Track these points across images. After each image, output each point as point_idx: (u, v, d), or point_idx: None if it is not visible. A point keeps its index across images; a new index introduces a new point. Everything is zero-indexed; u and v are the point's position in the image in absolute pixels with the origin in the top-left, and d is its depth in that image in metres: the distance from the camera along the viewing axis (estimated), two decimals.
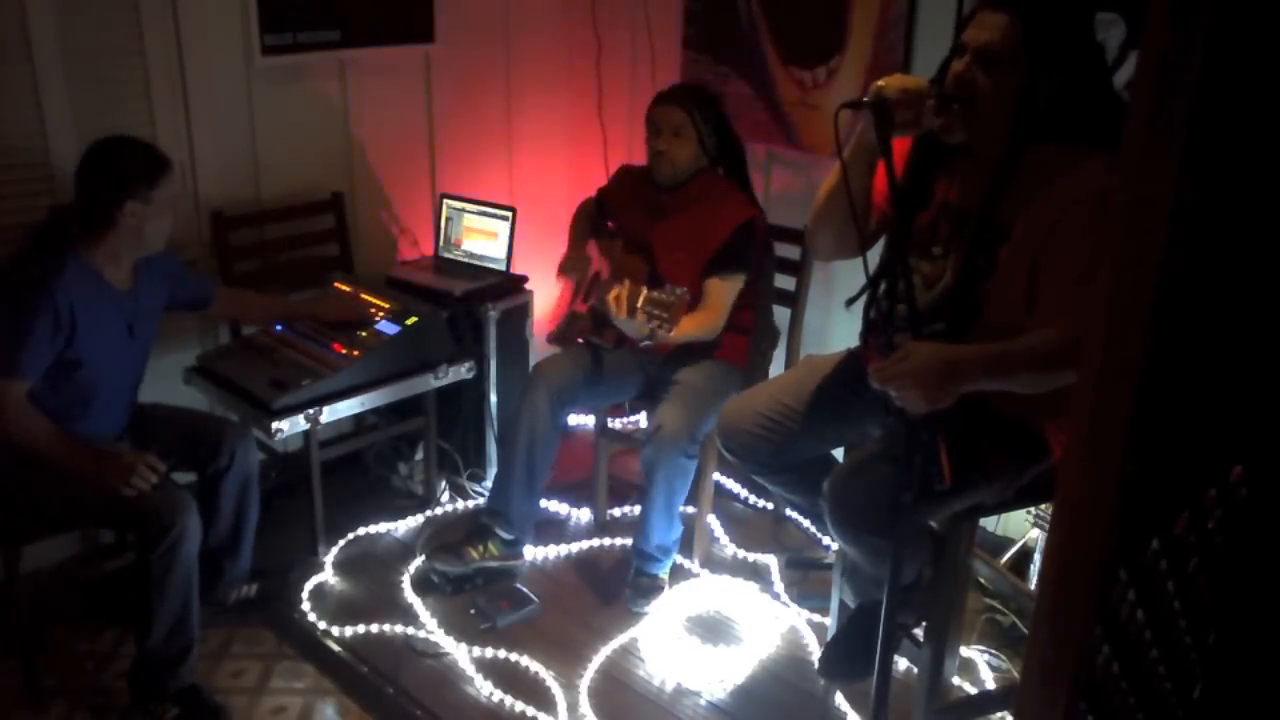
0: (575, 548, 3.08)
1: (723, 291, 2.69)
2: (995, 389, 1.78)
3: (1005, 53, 1.78)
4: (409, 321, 2.89)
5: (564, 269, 2.95)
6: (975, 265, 1.86)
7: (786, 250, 2.98)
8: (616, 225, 2.98)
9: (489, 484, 3.16)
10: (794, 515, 3.18)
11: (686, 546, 2.94)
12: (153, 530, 2.25)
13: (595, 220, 3.05)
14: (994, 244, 1.84)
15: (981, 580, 2.72)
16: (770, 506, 3.27)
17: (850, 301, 2.06)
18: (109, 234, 2.31)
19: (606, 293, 2.47)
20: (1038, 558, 2.74)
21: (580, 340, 2.89)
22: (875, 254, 1.97)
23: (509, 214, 3.30)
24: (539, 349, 3.39)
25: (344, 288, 3.09)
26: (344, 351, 2.80)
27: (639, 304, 2.41)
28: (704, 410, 2.64)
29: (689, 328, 2.64)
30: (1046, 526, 2.62)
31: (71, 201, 2.33)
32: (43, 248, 2.30)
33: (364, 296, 3.03)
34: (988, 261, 1.85)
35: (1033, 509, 2.71)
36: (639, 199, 2.87)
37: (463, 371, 3.04)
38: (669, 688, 2.52)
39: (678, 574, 2.91)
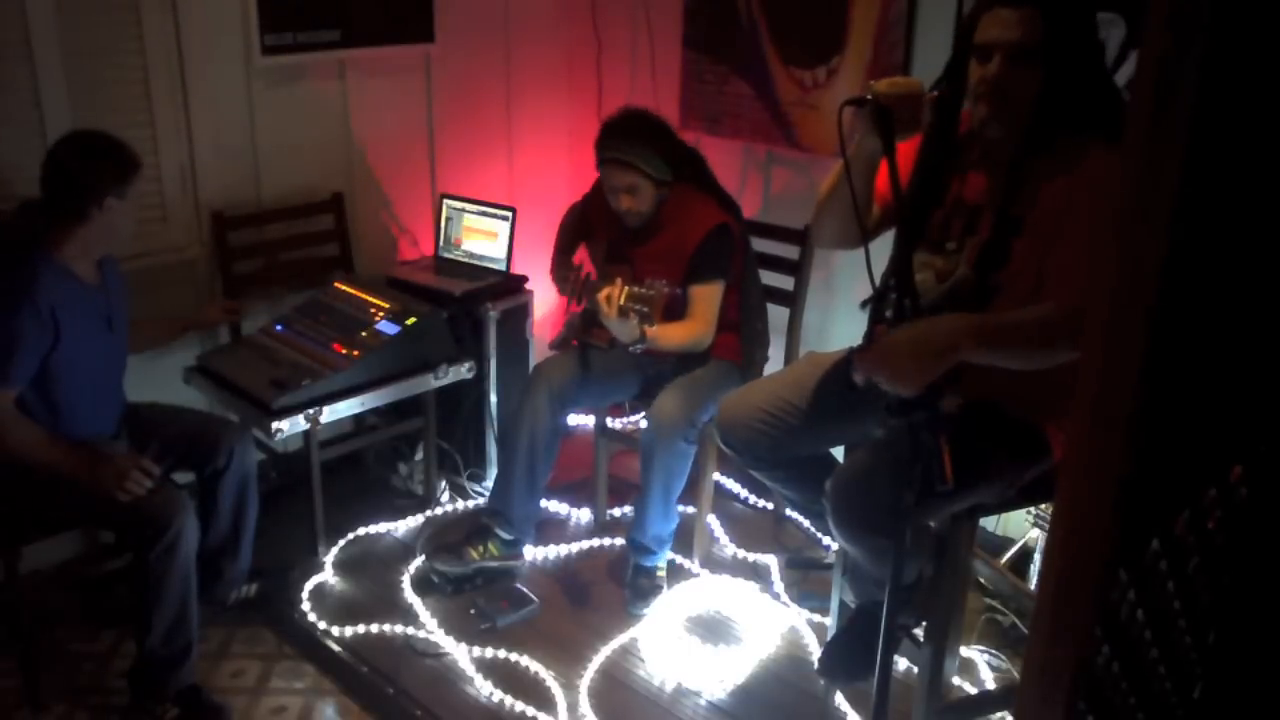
0: (575, 548, 3.08)
1: (706, 298, 2.70)
2: (988, 361, 1.77)
3: (1035, 47, 1.80)
4: (409, 321, 2.89)
5: (556, 276, 2.95)
6: (990, 257, 1.88)
7: (786, 250, 2.98)
8: (600, 237, 2.97)
9: (489, 484, 3.17)
10: (794, 515, 3.18)
11: (686, 546, 2.94)
12: (149, 531, 2.25)
13: (581, 227, 3.04)
14: (1009, 235, 1.86)
15: (981, 580, 2.72)
16: (770, 506, 3.27)
17: (865, 303, 2.07)
18: (79, 229, 2.28)
19: (596, 294, 2.48)
20: (1038, 558, 2.74)
21: (575, 342, 2.89)
22: (881, 251, 1.97)
23: (509, 214, 3.30)
24: (539, 349, 3.39)
25: (344, 288, 3.08)
26: (344, 351, 2.80)
27: (621, 300, 2.41)
28: (703, 398, 2.64)
29: (679, 336, 2.65)
30: (1046, 526, 2.62)
31: (38, 198, 2.30)
32: (12, 249, 2.27)
33: (364, 296, 3.03)
34: (1002, 253, 1.87)
35: (1033, 509, 2.71)
36: (616, 218, 2.85)
37: (463, 371, 3.03)
38: (669, 688, 2.52)
39: (678, 574, 2.91)
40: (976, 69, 1.86)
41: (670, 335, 2.61)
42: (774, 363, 2.96)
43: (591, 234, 3.00)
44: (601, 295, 2.46)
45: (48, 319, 2.23)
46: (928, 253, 1.96)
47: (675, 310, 2.67)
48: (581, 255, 3.02)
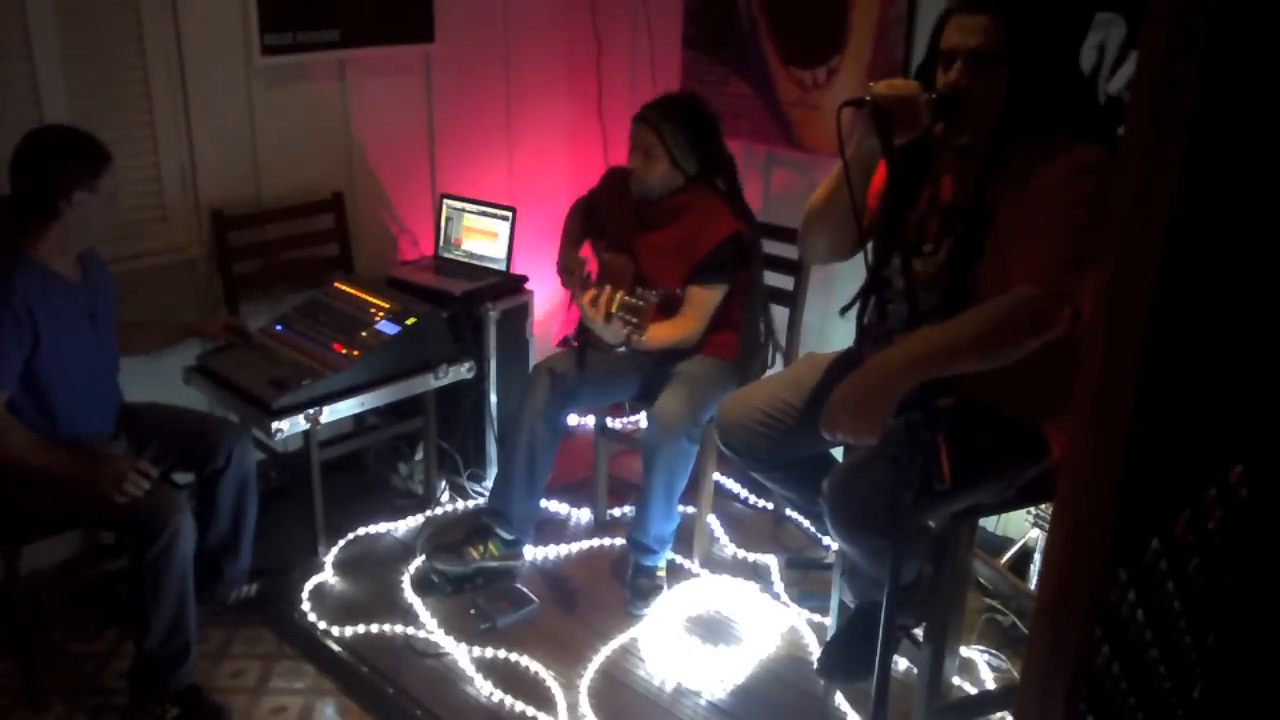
0: (575, 548, 3.08)
1: (703, 299, 2.71)
2: (948, 372, 1.78)
3: (995, 52, 1.82)
4: (409, 321, 2.89)
5: (561, 268, 2.96)
6: (962, 257, 1.89)
7: (786, 250, 2.98)
8: (604, 228, 2.98)
9: (489, 484, 3.16)
10: (794, 515, 3.18)
11: (686, 546, 2.94)
12: (146, 532, 2.24)
13: (588, 221, 3.04)
14: (979, 235, 1.87)
15: (981, 580, 2.72)
16: (770, 506, 3.27)
17: (845, 309, 2.08)
18: (53, 226, 2.26)
19: (583, 298, 2.49)
20: (1038, 558, 2.74)
21: (575, 343, 2.89)
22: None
23: (509, 214, 3.30)
24: (539, 349, 3.39)
25: (344, 288, 3.09)
26: (344, 351, 2.80)
27: (613, 308, 2.42)
28: (704, 397, 2.64)
29: (667, 333, 2.66)
30: (1046, 526, 2.62)
31: (8, 195, 2.27)
32: None
33: (364, 296, 3.03)
34: (974, 252, 1.88)
35: (1033, 509, 2.71)
36: (626, 203, 2.86)
37: (463, 371, 3.03)
38: (669, 688, 2.52)
39: (678, 574, 2.91)
40: (941, 75, 1.88)
41: (659, 336, 2.61)
42: (774, 365, 2.96)
43: (596, 227, 3.01)
44: (585, 299, 2.46)
45: (25, 319, 2.21)
46: (908, 255, 1.97)
47: (670, 307, 2.68)
48: (586, 251, 3.02)
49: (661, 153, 2.72)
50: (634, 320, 2.39)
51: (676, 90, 2.85)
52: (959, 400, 1.89)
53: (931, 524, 1.99)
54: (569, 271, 2.85)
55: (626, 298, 2.42)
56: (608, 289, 2.45)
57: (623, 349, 2.55)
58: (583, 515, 3.24)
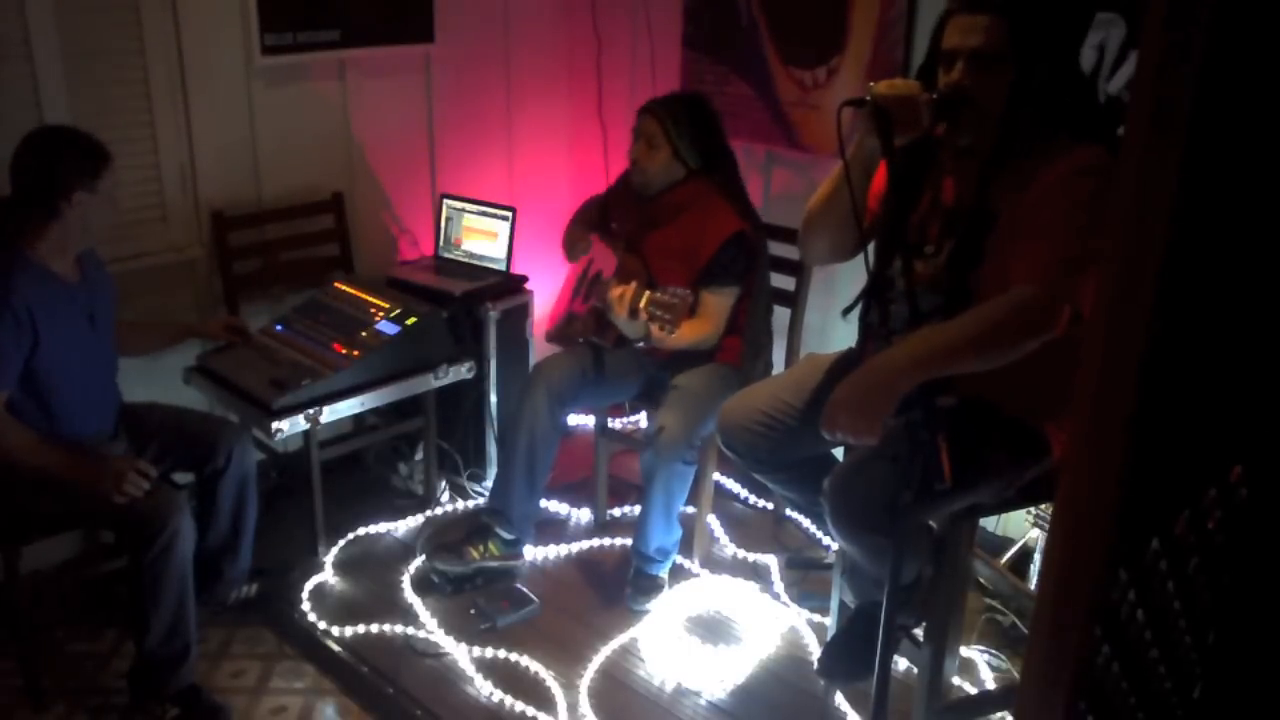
0: (575, 548, 3.08)
1: (718, 304, 2.71)
2: (948, 371, 1.78)
3: (997, 52, 1.82)
4: (409, 321, 2.89)
5: (568, 239, 2.96)
6: (963, 258, 1.89)
7: (787, 250, 2.98)
8: (617, 226, 2.99)
9: (489, 484, 3.17)
10: (794, 515, 3.18)
11: (686, 546, 2.94)
12: (145, 532, 2.24)
13: (601, 214, 3.05)
14: (981, 236, 1.87)
15: (981, 580, 2.72)
16: (770, 506, 3.27)
17: (846, 311, 2.08)
18: (53, 226, 2.26)
19: (609, 292, 2.49)
20: (1038, 558, 2.74)
21: (581, 340, 2.89)
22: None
23: (509, 214, 3.30)
24: (539, 349, 3.39)
25: (344, 288, 3.09)
26: (344, 351, 2.80)
27: (641, 304, 2.42)
28: (702, 415, 2.64)
29: (687, 335, 2.65)
30: (1046, 526, 2.62)
31: (8, 195, 2.27)
32: None
33: (364, 296, 3.03)
34: (975, 254, 1.88)
35: (1033, 509, 2.71)
36: (634, 202, 2.88)
37: (463, 371, 3.03)
38: (669, 688, 2.52)
39: (678, 574, 2.91)
40: (942, 75, 1.88)
41: (680, 336, 2.61)
42: (775, 365, 2.96)
43: (608, 226, 3.01)
44: (614, 293, 2.47)
45: (25, 319, 2.21)
46: (910, 257, 1.97)
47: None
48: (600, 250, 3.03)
49: (664, 142, 2.73)
50: (668, 317, 2.40)
51: (682, 90, 2.86)
52: (959, 400, 1.89)
53: (932, 524, 1.99)
54: (579, 243, 2.86)
55: (658, 294, 2.42)
56: (633, 285, 2.46)
57: (642, 344, 2.55)
58: (583, 515, 3.24)
